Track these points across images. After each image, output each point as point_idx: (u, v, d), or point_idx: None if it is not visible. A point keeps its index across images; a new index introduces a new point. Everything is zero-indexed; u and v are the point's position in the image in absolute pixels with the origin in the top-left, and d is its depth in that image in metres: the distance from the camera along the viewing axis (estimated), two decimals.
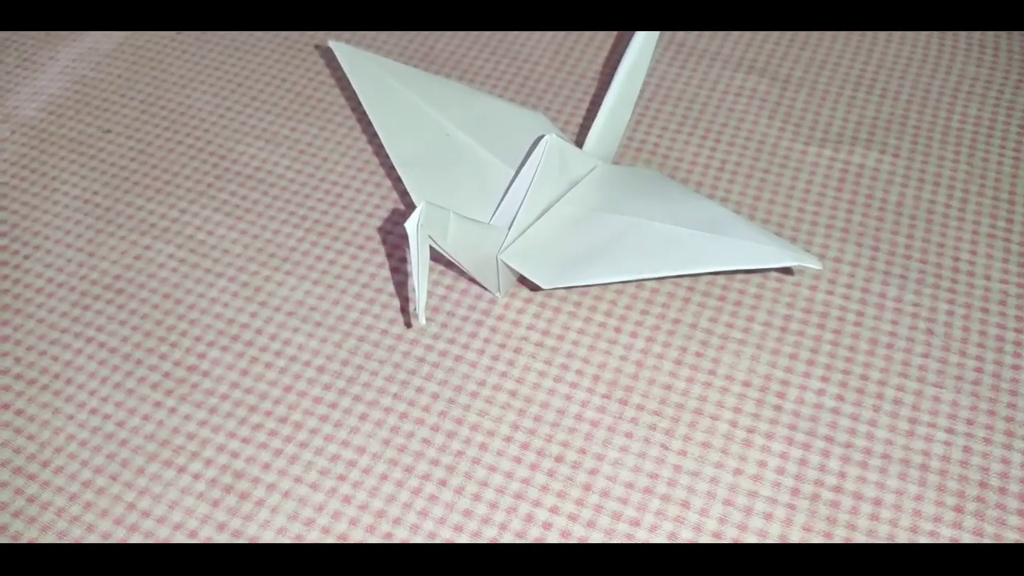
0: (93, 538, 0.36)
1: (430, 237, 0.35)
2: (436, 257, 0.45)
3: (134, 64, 0.58)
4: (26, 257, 0.47)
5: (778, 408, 0.40)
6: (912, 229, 0.47)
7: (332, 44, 0.47)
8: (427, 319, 0.42)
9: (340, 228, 0.48)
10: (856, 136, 0.52)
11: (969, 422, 0.39)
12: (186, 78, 0.57)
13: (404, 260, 0.46)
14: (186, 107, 0.55)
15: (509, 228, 0.41)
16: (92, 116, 0.55)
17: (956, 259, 0.46)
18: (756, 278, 0.45)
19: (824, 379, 0.41)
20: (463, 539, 0.36)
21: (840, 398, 0.40)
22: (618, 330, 0.43)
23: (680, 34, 0.59)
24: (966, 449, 0.39)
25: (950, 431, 0.39)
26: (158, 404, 0.41)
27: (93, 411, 0.41)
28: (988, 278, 0.45)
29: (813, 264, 0.36)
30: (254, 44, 0.59)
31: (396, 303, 0.44)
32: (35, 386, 0.42)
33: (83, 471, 0.39)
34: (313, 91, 0.56)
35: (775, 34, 0.58)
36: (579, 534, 0.36)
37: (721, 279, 0.45)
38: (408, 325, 0.43)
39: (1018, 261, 0.45)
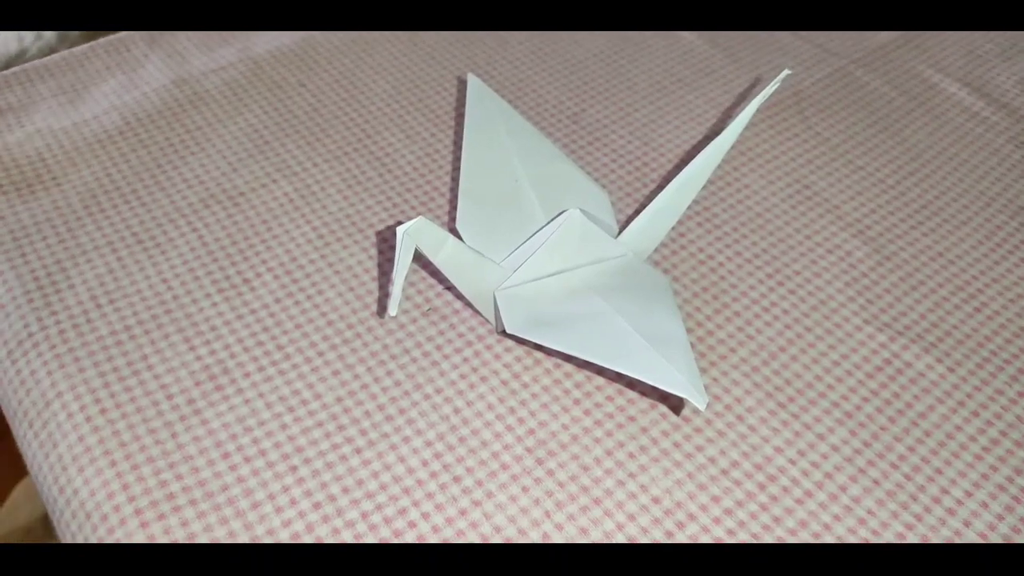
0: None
1: (421, 249, 0.41)
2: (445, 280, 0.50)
3: (353, 42, 0.69)
4: (183, 159, 0.59)
5: (669, 535, 0.41)
6: (918, 444, 0.45)
7: (469, 77, 0.54)
8: (400, 312, 0.46)
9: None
10: (922, 335, 0.50)
11: None
12: (382, 67, 0.67)
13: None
14: (363, 89, 0.65)
15: (514, 272, 0.45)
16: (300, 70, 0.66)
17: (944, 492, 0.43)
18: (729, 416, 0.45)
19: (730, 532, 0.41)
20: (343, 502, 0.41)
21: None
22: (576, 402, 0.46)
23: (810, 176, 0.59)
24: None
25: None
26: (208, 295, 0.50)
27: (165, 280, 0.51)
28: (967, 524, 0.42)
29: (698, 403, 0.37)
30: (449, 50, 0.68)
31: (420, 298, 0.50)
32: (128, 247, 0.53)
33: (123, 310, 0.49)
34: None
35: (906, 210, 0.57)
36: (430, 544, 0.40)
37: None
38: (380, 313, 0.49)
39: (1011, 525, 0.42)
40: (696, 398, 0.37)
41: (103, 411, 0.45)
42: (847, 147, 0.62)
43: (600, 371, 0.47)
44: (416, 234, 0.40)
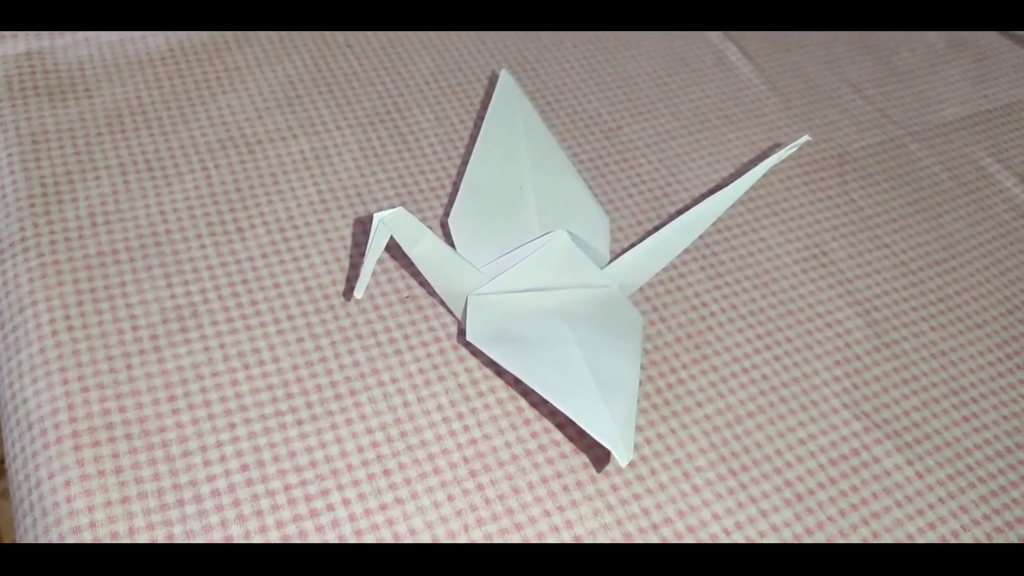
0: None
1: (397, 239, 0.41)
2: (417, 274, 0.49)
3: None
4: (213, 96, 0.60)
5: None
6: (856, 528, 0.43)
7: (502, 73, 0.53)
8: (364, 297, 0.46)
9: (419, 207, 0.54)
10: (900, 432, 0.48)
11: None
12: (431, 43, 0.66)
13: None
14: (405, 62, 0.64)
15: (491, 279, 0.44)
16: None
17: None
18: (676, 471, 0.44)
19: None
20: (270, 469, 0.41)
21: None
22: (526, 422, 0.45)
23: (831, 244, 0.57)
24: None
25: None
26: (199, 236, 0.51)
27: (163, 213, 0.52)
28: None
29: (621, 458, 0.36)
30: (502, 41, 0.67)
31: (402, 283, 0.50)
32: (137, 172, 0.54)
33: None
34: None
35: (921, 299, 0.54)
36: (343, 531, 0.40)
37: (648, 454, 0.45)
38: (346, 295, 0.49)
39: None
40: (620, 452, 0.36)
41: (70, 328, 0.45)
42: (878, 221, 0.59)
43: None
44: (392, 223, 0.40)
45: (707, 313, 0.52)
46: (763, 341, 0.51)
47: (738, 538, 0.42)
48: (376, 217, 0.39)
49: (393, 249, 0.51)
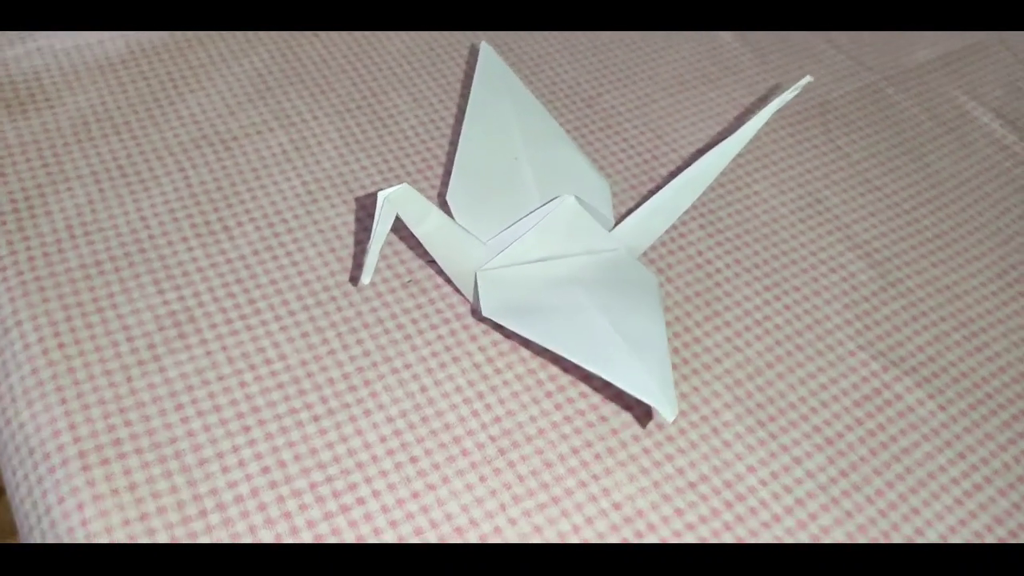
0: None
1: (403, 218, 0.39)
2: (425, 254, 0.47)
3: None
4: (181, 96, 0.57)
5: (626, 543, 0.39)
6: (898, 480, 0.43)
7: (482, 45, 0.51)
8: (380, 280, 0.45)
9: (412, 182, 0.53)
10: (917, 368, 0.48)
11: None
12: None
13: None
14: (375, 45, 0.63)
15: (499, 253, 0.43)
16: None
17: (918, 532, 0.41)
18: (704, 428, 0.44)
19: None
20: (293, 469, 0.40)
21: None
22: (548, 395, 0.44)
23: (824, 191, 0.57)
24: None
25: None
26: (185, 239, 0.49)
27: (144, 219, 0.49)
28: None
29: (667, 414, 0.35)
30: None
31: (403, 268, 0.49)
32: (112, 180, 0.51)
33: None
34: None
35: (918, 237, 0.55)
36: (377, 523, 0.39)
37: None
38: (353, 281, 0.47)
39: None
40: (665, 408, 0.36)
41: (61, 346, 0.43)
42: (867, 166, 0.59)
43: (575, 366, 0.45)
44: (397, 201, 0.38)
45: (712, 270, 0.51)
46: (771, 292, 0.50)
47: (775, 488, 0.42)
48: (381, 196, 0.38)
49: (391, 230, 0.49)
